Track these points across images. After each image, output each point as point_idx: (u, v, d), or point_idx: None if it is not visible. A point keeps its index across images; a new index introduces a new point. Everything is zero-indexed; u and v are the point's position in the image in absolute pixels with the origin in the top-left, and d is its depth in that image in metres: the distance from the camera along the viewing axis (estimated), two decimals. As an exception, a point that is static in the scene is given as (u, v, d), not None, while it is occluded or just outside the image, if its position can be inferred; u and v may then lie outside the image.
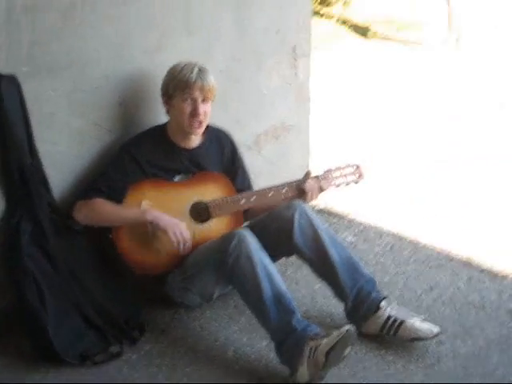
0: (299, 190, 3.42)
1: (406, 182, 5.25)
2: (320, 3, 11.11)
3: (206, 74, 3.30)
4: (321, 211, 4.56)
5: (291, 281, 3.73)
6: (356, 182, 3.61)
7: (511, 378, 3.00)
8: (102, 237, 3.28)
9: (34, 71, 3.14)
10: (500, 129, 6.53)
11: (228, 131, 3.63)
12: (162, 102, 3.39)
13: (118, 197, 3.25)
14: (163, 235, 3.20)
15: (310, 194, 3.41)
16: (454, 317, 3.46)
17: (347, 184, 3.59)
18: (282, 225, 3.31)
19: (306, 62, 4.35)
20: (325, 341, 2.82)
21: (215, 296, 3.44)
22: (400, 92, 7.79)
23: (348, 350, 2.87)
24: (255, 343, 3.25)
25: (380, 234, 4.38)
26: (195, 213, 3.34)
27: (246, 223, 3.50)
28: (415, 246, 4.21)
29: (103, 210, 3.23)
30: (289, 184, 3.43)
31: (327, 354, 2.79)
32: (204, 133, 3.43)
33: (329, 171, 3.51)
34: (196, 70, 3.28)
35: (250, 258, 3.02)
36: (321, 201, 4.53)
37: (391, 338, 3.20)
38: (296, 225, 3.27)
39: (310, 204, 3.49)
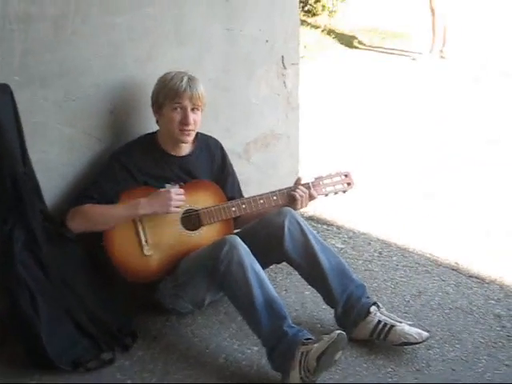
0: (289, 198, 3.45)
1: (393, 190, 5.31)
2: (306, 13, 11.18)
3: (196, 83, 3.33)
4: (309, 218, 4.60)
5: (281, 287, 3.76)
6: (345, 191, 3.64)
7: (500, 381, 3.03)
8: (94, 244, 3.29)
9: (26, 80, 3.17)
10: (484, 134, 6.60)
11: (218, 139, 3.66)
12: (152, 111, 3.42)
13: (108, 204, 3.28)
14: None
15: (300, 202, 3.44)
16: (443, 321, 3.49)
17: (336, 193, 3.62)
18: (272, 231, 3.34)
19: (295, 70, 4.39)
20: (316, 345, 2.85)
21: (206, 303, 3.46)
22: (386, 100, 7.87)
23: (339, 354, 2.89)
24: (246, 349, 3.27)
25: (368, 240, 4.42)
26: (186, 220, 3.36)
27: (236, 230, 3.52)
28: (403, 253, 4.26)
29: (95, 213, 3.25)
30: (279, 191, 3.46)
31: (318, 358, 2.81)
32: (194, 141, 3.47)
33: (319, 178, 3.54)
34: (186, 79, 3.31)
35: (241, 264, 3.05)
36: (310, 208, 4.56)
37: (381, 343, 3.23)
38: (286, 231, 3.30)
39: (299, 211, 3.52)
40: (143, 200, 3.26)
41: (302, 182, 3.51)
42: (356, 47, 10.81)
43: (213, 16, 3.89)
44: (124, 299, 3.42)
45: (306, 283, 3.50)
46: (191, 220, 3.37)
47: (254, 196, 3.45)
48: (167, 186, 3.38)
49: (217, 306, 3.58)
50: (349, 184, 3.63)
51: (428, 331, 3.24)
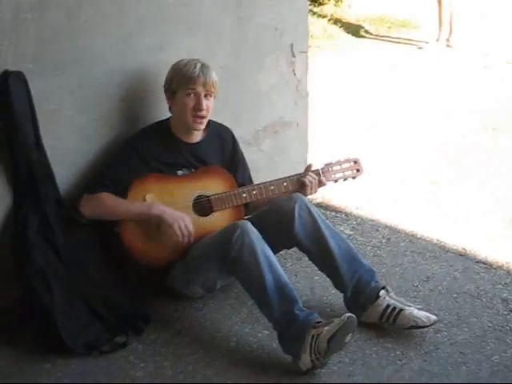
0: (299, 184, 3.49)
1: (401, 177, 5.35)
2: (312, 2, 11.16)
3: (209, 69, 3.37)
4: (318, 205, 4.62)
5: (291, 273, 3.79)
6: (354, 177, 3.68)
7: (507, 363, 3.07)
8: (107, 229, 3.33)
9: (40, 68, 3.21)
10: (491, 122, 6.63)
11: (229, 127, 3.70)
12: (164, 98, 3.46)
13: (122, 191, 3.31)
14: (167, 229, 3.27)
15: (309, 188, 3.48)
16: (451, 306, 3.52)
17: (346, 179, 3.66)
18: (282, 217, 3.37)
19: (304, 58, 4.42)
20: (326, 328, 2.89)
21: (217, 287, 3.50)
22: (393, 88, 7.88)
23: (349, 336, 2.93)
24: (257, 333, 3.31)
25: (376, 227, 4.46)
26: (198, 206, 3.41)
27: (247, 216, 3.56)
28: (411, 239, 4.29)
29: (109, 204, 3.29)
30: (289, 178, 3.50)
31: (329, 340, 2.85)
32: (206, 128, 3.51)
33: (329, 165, 3.58)
34: (199, 65, 3.35)
35: (252, 249, 3.08)
36: (318, 195, 4.60)
37: (390, 327, 3.27)
38: (296, 217, 3.34)
39: (308, 198, 3.56)
40: (158, 205, 3.30)
41: (312, 169, 3.55)
42: (362, 36, 10.80)
43: (223, 4, 3.93)
44: (136, 284, 3.46)
45: (315, 268, 3.54)
46: (202, 206, 3.41)
47: (265, 182, 3.49)
48: (179, 172, 3.43)
49: (228, 290, 3.62)
50: (358, 170, 3.67)
51: (436, 315, 3.27)
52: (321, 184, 3.54)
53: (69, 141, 3.39)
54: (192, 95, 3.34)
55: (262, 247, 3.11)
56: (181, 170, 3.47)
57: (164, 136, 3.45)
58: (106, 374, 3.02)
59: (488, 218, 4.59)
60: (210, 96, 3.38)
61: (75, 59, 3.32)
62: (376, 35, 10.87)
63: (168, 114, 3.50)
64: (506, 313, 3.48)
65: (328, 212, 4.63)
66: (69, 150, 3.41)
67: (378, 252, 4.13)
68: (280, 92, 4.34)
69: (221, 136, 3.64)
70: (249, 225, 3.17)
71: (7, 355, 3.14)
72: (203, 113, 3.36)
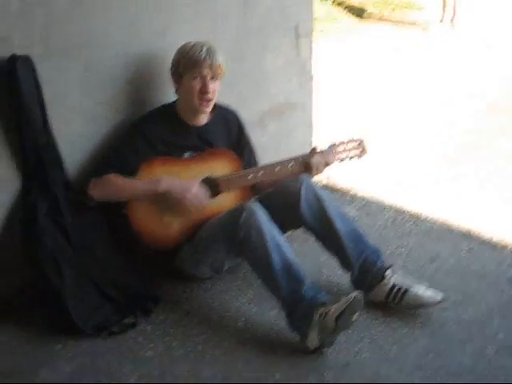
0: (305, 165, 3.50)
1: (406, 158, 5.37)
2: (316, -16, 11.12)
3: (215, 52, 3.37)
4: (324, 187, 4.63)
5: (298, 254, 3.70)
6: (359, 157, 3.70)
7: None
8: (115, 212, 3.36)
9: (47, 52, 3.21)
10: (497, 102, 6.64)
11: (235, 109, 3.72)
12: (170, 81, 3.47)
13: (129, 173, 3.32)
14: (178, 202, 3.30)
15: (315, 168, 3.49)
16: (456, 285, 3.56)
17: (351, 158, 3.68)
18: (288, 198, 3.40)
19: (308, 40, 4.44)
20: (334, 307, 2.92)
21: (225, 268, 3.54)
22: (398, 69, 7.90)
23: (356, 315, 2.96)
24: (265, 313, 3.34)
25: (382, 208, 4.49)
26: (205, 188, 3.42)
27: (253, 198, 3.58)
28: (416, 220, 4.32)
29: (116, 184, 3.30)
30: (295, 159, 3.51)
31: (337, 319, 2.88)
32: (212, 111, 3.51)
33: (333, 146, 3.59)
34: (205, 48, 3.35)
35: (260, 230, 3.11)
36: (323, 177, 4.64)
37: (396, 306, 3.30)
38: (302, 198, 3.36)
39: (314, 179, 3.58)
40: (165, 179, 3.31)
41: (317, 150, 3.56)
42: (366, 18, 10.79)
43: (228, -14, 3.94)
44: (145, 265, 3.49)
45: (321, 249, 3.57)
46: (210, 188, 3.43)
47: (271, 163, 3.50)
48: (186, 155, 3.45)
49: (235, 272, 3.66)
50: (362, 151, 3.69)
51: (442, 294, 3.29)
52: (326, 164, 3.55)
53: (76, 124, 3.41)
54: (198, 78, 3.35)
55: (269, 228, 3.13)
56: (187, 152, 3.48)
57: (170, 119, 3.47)
58: (115, 355, 3.06)
59: (492, 199, 4.61)
60: (217, 79, 3.39)
61: (82, 43, 3.33)
62: (380, 17, 10.86)
63: (174, 97, 3.51)
64: (511, 292, 3.51)
65: (333, 193, 4.64)
66: (76, 134, 3.42)
67: (384, 232, 4.15)
68: (285, 74, 4.37)
69: (227, 118, 3.65)
70: (256, 206, 3.20)
71: (20, 336, 3.18)
72: (209, 96, 3.37)
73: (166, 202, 3.31)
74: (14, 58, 3.09)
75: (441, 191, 4.75)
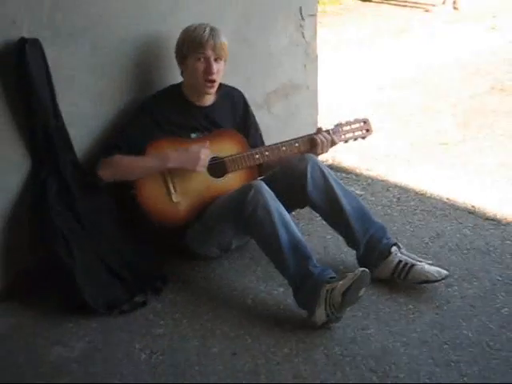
0: (311, 144, 3.54)
1: (410, 137, 5.40)
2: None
3: (218, 33, 3.40)
4: (328, 167, 4.63)
5: (304, 233, 3.80)
6: (364, 137, 3.74)
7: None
8: (124, 192, 3.41)
9: (55, 35, 3.25)
10: (500, 83, 6.66)
11: (240, 90, 3.76)
12: (176, 63, 3.51)
13: (137, 153, 3.37)
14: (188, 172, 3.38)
15: (321, 147, 3.53)
16: (461, 262, 3.59)
17: (356, 139, 3.72)
18: (295, 177, 3.44)
19: (313, 22, 4.45)
20: (341, 282, 2.96)
21: (233, 247, 3.60)
22: (401, 50, 7.91)
23: (363, 290, 3.00)
24: (272, 290, 3.40)
25: (387, 187, 4.52)
26: (212, 168, 3.47)
27: (260, 177, 3.61)
28: (421, 198, 4.35)
29: (124, 163, 3.35)
30: (301, 138, 3.56)
31: (343, 294, 2.93)
32: (217, 91, 3.55)
33: (339, 125, 3.64)
34: (208, 29, 3.38)
35: (266, 208, 3.15)
36: (328, 156, 4.69)
37: (402, 282, 3.34)
38: (309, 177, 3.40)
39: (319, 158, 3.61)
40: (172, 153, 3.36)
41: (323, 130, 3.60)
42: (369, 0, 10.78)
43: (233, -32, 3.96)
44: (154, 245, 3.54)
45: (327, 228, 3.61)
46: (216, 168, 3.48)
47: (277, 143, 3.54)
48: (193, 135, 3.49)
49: (242, 250, 3.71)
50: (367, 130, 3.72)
51: (447, 270, 3.33)
52: (332, 143, 3.59)
53: (84, 106, 3.44)
54: (202, 59, 3.38)
55: (276, 206, 3.17)
56: (194, 133, 3.52)
57: (177, 100, 3.50)
58: (126, 332, 3.12)
59: (496, 177, 4.64)
60: (221, 59, 3.42)
61: (89, 26, 3.36)
62: (382, -1, 10.86)
63: (180, 79, 3.55)
64: (515, 268, 3.55)
65: (338, 173, 4.67)
66: (84, 115, 3.46)
67: (389, 211, 4.19)
68: (290, 55, 4.39)
69: (233, 99, 3.69)
70: (263, 184, 3.24)
71: (32, 316, 3.25)
72: (214, 76, 3.40)
73: (176, 172, 3.39)
74: (23, 41, 3.12)
75: (445, 170, 4.77)
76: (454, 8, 9.86)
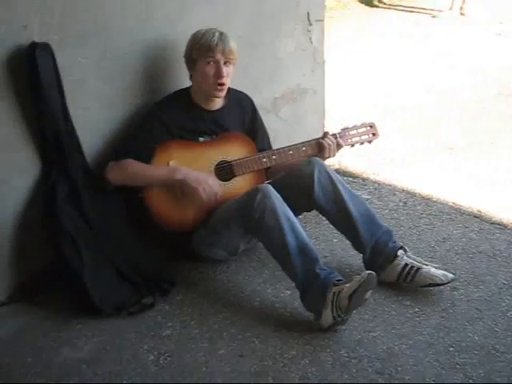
0: (318, 147, 3.57)
1: (416, 142, 5.42)
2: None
3: (227, 37, 3.43)
4: (335, 171, 4.68)
5: (311, 236, 3.81)
6: (370, 141, 3.77)
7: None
8: (132, 195, 3.44)
9: (65, 39, 3.28)
10: (506, 88, 6.68)
11: (248, 94, 3.78)
12: (185, 67, 3.54)
13: (146, 157, 3.40)
14: (192, 192, 3.36)
15: (328, 151, 3.56)
16: (467, 265, 3.61)
17: (362, 143, 3.75)
18: (302, 181, 3.45)
19: (320, 27, 4.48)
20: (347, 285, 2.98)
21: (240, 250, 3.61)
22: (408, 56, 7.94)
23: (369, 293, 3.01)
24: (279, 293, 3.41)
25: (393, 191, 4.55)
26: (220, 172, 3.50)
27: (267, 181, 3.62)
28: (427, 202, 4.37)
29: (133, 170, 3.38)
30: (308, 142, 3.59)
31: (350, 297, 2.94)
32: (226, 95, 3.58)
33: (346, 129, 3.67)
34: (217, 34, 3.42)
35: (274, 212, 3.17)
36: (335, 161, 4.70)
37: (408, 286, 3.36)
38: (316, 180, 3.42)
39: (326, 162, 3.63)
40: (182, 169, 3.38)
41: (330, 134, 3.63)
42: (376, 6, 10.81)
43: (240, -27, 3.99)
44: (162, 248, 3.57)
45: (334, 232, 3.64)
46: (224, 171, 3.51)
47: (284, 147, 3.57)
48: (201, 139, 3.52)
49: (249, 253, 3.73)
50: (374, 134, 3.75)
51: (453, 273, 3.35)
52: (339, 147, 3.62)
53: (94, 110, 3.48)
54: (212, 63, 3.41)
55: (283, 209, 3.19)
56: (202, 136, 3.55)
57: (186, 104, 3.53)
58: (134, 333, 3.14)
59: (502, 182, 4.65)
60: (230, 63, 3.45)
61: (99, 31, 3.40)
62: (389, 4, 10.88)
63: (190, 83, 3.57)
64: (521, 272, 3.56)
65: (345, 177, 4.68)
66: (94, 119, 3.49)
67: (395, 215, 4.21)
68: (297, 60, 4.41)
69: (241, 103, 3.72)
70: (270, 188, 3.25)
71: (41, 316, 3.28)
72: (223, 80, 3.43)
73: (180, 189, 3.39)
74: (33, 46, 3.16)
75: (451, 174, 4.80)
76: (461, 14, 9.89)
